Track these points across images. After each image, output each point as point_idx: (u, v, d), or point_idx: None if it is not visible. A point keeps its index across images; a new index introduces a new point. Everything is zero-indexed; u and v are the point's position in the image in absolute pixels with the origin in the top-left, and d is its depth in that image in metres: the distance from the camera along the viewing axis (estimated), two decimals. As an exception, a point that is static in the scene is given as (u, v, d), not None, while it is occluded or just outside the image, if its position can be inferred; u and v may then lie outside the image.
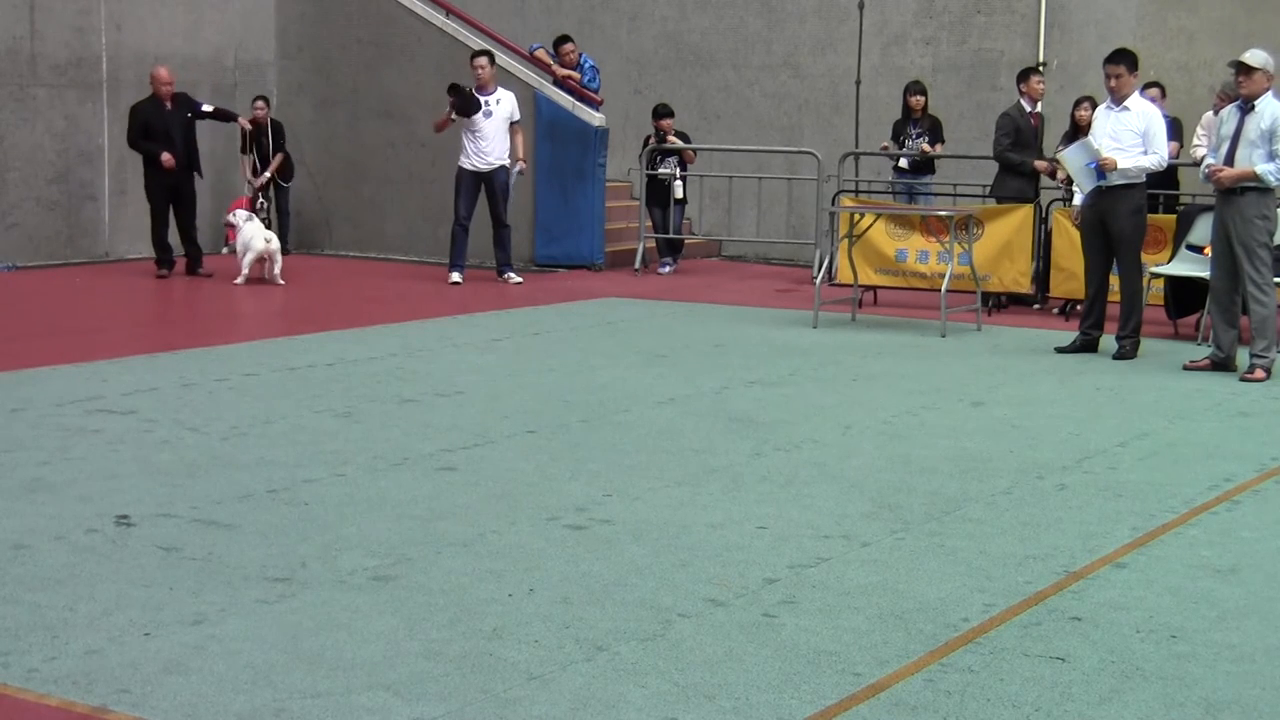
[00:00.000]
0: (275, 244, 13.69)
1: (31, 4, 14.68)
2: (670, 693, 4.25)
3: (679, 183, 15.51)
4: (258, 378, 9.05)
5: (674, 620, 4.84)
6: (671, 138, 15.42)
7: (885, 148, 14.91)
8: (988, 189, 13.50)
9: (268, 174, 15.89)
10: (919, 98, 14.37)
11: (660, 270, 15.43)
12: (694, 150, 15.75)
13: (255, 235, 13.56)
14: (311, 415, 7.96)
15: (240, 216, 13.85)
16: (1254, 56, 9.66)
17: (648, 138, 15.70)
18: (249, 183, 15.92)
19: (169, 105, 13.96)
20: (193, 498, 6.20)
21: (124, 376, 8.94)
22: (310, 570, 5.29)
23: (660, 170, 15.45)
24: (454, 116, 13.90)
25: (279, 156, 16.00)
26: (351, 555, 5.47)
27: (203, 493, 6.29)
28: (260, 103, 16.03)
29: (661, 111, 15.54)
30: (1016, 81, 13.42)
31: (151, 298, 13.22)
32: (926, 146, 14.25)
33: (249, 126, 15.58)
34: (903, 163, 14.54)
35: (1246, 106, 9.71)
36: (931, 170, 14.58)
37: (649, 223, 15.65)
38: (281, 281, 13.57)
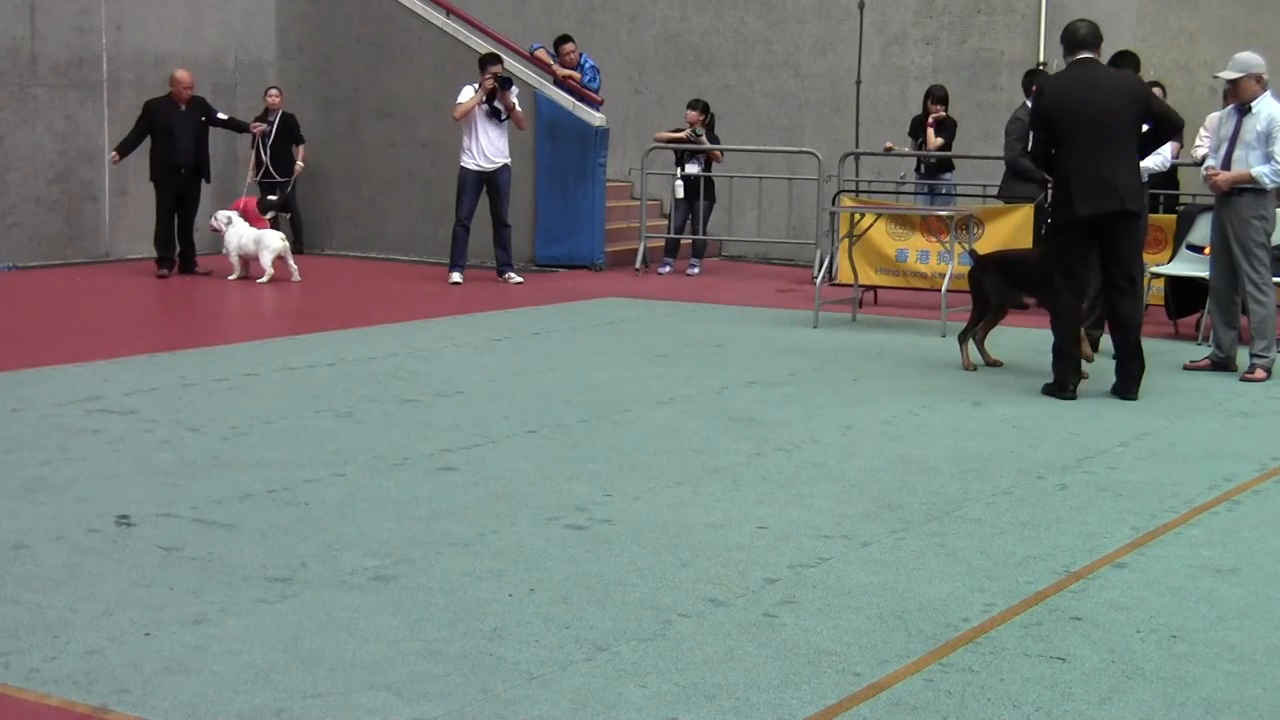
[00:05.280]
0: (285, 242, 13.94)
1: (31, 4, 14.68)
2: (670, 693, 4.25)
3: (679, 182, 15.44)
4: (258, 378, 9.05)
5: (674, 620, 4.84)
6: (700, 137, 15.31)
7: (889, 148, 14.89)
8: (989, 189, 13.48)
9: (300, 164, 16.02)
10: (935, 105, 14.36)
11: (660, 270, 15.43)
12: (718, 150, 15.65)
13: (245, 235, 13.87)
14: (311, 415, 7.96)
15: (221, 219, 13.98)
16: (1235, 64, 9.67)
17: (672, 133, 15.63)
18: (253, 180, 15.96)
19: (182, 107, 14.08)
20: (193, 498, 6.20)
21: (124, 376, 8.94)
22: (310, 570, 5.28)
23: (688, 168, 15.39)
24: (483, 101, 13.85)
25: (302, 149, 16.10)
26: (351, 555, 5.47)
27: (203, 493, 6.29)
28: (274, 91, 16.12)
29: (700, 105, 15.36)
30: (1027, 83, 13.33)
31: (151, 298, 13.22)
32: (932, 134, 14.25)
33: (261, 130, 15.57)
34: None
35: (1244, 109, 9.72)
36: (951, 168, 14.57)
37: (652, 222, 15.64)
38: (298, 278, 13.84)
